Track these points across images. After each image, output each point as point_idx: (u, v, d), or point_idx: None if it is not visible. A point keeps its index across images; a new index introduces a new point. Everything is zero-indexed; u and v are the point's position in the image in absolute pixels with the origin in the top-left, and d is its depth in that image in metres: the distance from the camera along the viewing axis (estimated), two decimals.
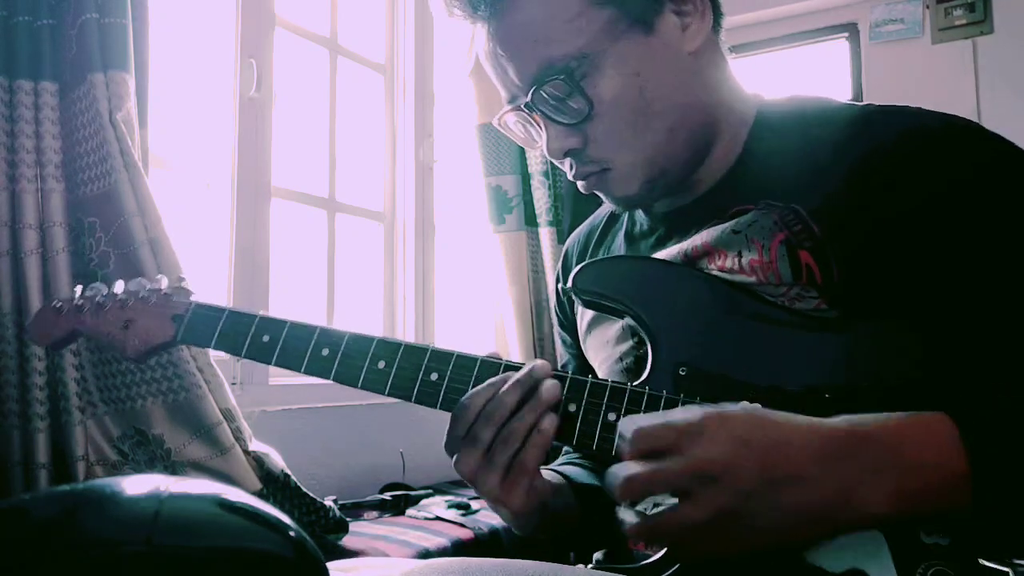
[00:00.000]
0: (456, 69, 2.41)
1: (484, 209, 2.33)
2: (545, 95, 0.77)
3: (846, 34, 2.90)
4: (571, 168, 0.82)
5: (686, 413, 0.59)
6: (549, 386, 0.70)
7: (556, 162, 0.85)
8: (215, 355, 1.42)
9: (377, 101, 2.32)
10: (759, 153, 0.82)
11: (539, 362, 0.72)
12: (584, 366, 0.96)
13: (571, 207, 2.53)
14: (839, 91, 2.88)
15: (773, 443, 0.57)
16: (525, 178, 2.37)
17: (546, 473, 0.85)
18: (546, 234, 2.33)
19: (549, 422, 0.69)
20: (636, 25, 0.76)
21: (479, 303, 2.45)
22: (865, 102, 0.82)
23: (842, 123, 0.78)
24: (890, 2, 2.80)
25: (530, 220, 2.36)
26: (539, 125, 0.81)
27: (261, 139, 1.84)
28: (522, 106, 0.80)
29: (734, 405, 0.61)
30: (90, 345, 1.34)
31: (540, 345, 2.32)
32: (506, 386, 0.70)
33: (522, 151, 2.37)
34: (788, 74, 3.02)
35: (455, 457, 0.72)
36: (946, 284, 0.69)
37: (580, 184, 0.84)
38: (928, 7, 2.75)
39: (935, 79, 2.71)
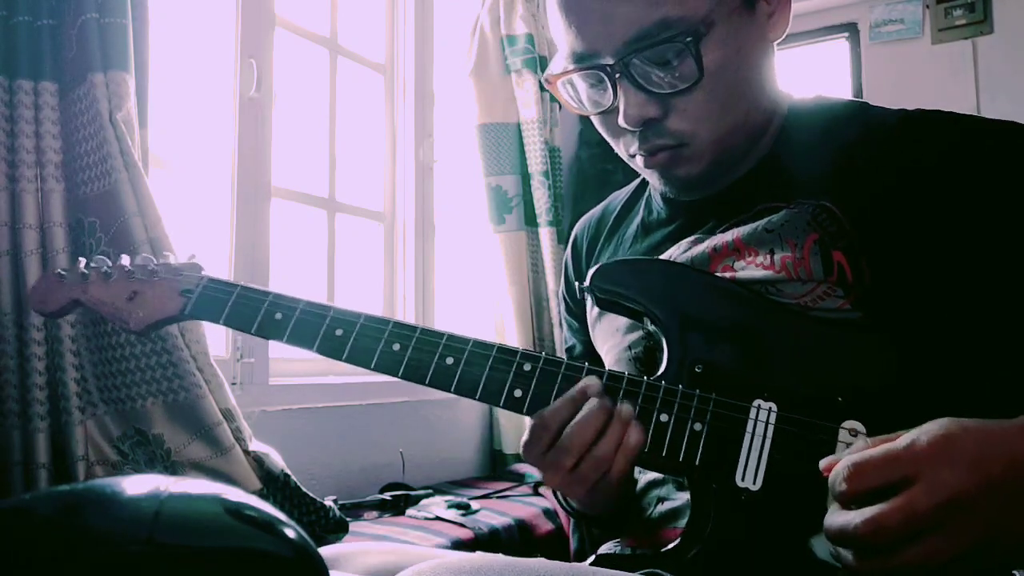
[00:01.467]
0: (456, 69, 2.41)
1: (484, 209, 2.34)
2: (643, 57, 0.73)
3: (846, 34, 2.90)
4: (640, 140, 0.78)
5: (903, 441, 0.55)
6: (627, 405, 0.69)
7: (607, 134, 0.81)
8: (215, 355, 1.42)
9: (377, 101, 2.32)
10: (790, 150, 0.82)
11: (593, 381, 0.71)
12: (591, 351, 0.97)
13: (571, 207, 2.54)
14: (839, 91, 2.88)
15: (1006, 455, 0.54)
16: (525, 178, 2.37)
17: None
18: (546, 234, 2.34)
19: (636, 436, 0.68)
20: (744, 4, 0.75)
21: (479, 303, 2.45)
22: (900, 106, 0.82)
23: (880, 125, 0.78)
24: (890, 2, 2.80)
25: (530, 220, 2.37)
26: (613, 89, 0.75)
27: (261, 139, 1.83)
28: (607, 64, 0.74)
29: (932, 425, 0.56)
30: (90, 345, 1.34)
31: (540, 345, 2.32)
32: (587, 411, 0.69)
33: (522, 151, 2.37)
34: (788, 74, 3.02)
35: (540, 473, 0.72)
36: (978, 284, 0.70)
37: (640, 159, 0.80)
38: (928, 7, 2.75)
39: (935, 79, 2.72)
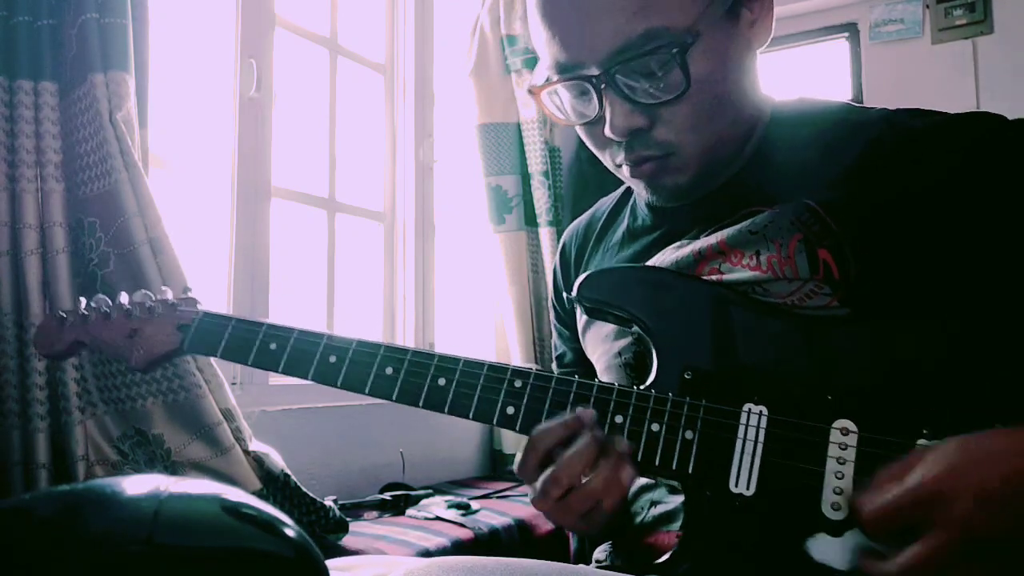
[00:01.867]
0: (456, 69, 2.41)
1: (484, 209, 2.34)
2: (629, 68, 0.72)
3: (846, 34, 2.90)
4: (627, 151, 0.78)
5: (911, 480, 0.55)
6: (623, 441, 0.69)
7: (593, 144, 0.81)
8: None
9: (377, 101, 2.32)
10: (773, 154, 0.82)
11: (588, 411, 0.70)
12: (581, 358, 0.97)
13: (571, 207, 2.54)
14: (839, 91, 2.88)
15: (1003, 474, 0.53)
16: (525, 178, 2.37)
17: None
18: (546, 234, 2.34)
19: (627, 475, 0.67)
20: (728, 12, 0.75)
21: (479, 303, 2.45)
22: (881, 105, 0.82)
23: (863, 125, 0.79)
24: (890, 2, 2.80)
25: (530, 220, 2.37)
26: (598, 100, 0.75)
27: (261, 139, 1.83)
28: (591, 76, 0.74)
29: (934, 459, 0.56)
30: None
31: (540, 345, 2.32)
32: (580, 445, 0.67)
33: (522, 151, 2.37)
34: (788, 74, 3.02)
35: (530, 495, 0.71)
36: (965, 278, 0.70)
37: (627, 169, 0.80)
38: (928, 7, 2.75)
39: (935, 79, 2.71)
